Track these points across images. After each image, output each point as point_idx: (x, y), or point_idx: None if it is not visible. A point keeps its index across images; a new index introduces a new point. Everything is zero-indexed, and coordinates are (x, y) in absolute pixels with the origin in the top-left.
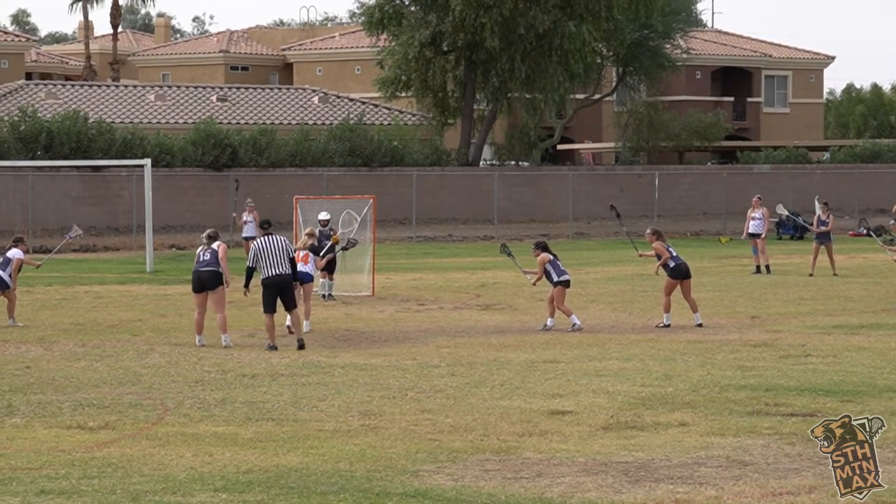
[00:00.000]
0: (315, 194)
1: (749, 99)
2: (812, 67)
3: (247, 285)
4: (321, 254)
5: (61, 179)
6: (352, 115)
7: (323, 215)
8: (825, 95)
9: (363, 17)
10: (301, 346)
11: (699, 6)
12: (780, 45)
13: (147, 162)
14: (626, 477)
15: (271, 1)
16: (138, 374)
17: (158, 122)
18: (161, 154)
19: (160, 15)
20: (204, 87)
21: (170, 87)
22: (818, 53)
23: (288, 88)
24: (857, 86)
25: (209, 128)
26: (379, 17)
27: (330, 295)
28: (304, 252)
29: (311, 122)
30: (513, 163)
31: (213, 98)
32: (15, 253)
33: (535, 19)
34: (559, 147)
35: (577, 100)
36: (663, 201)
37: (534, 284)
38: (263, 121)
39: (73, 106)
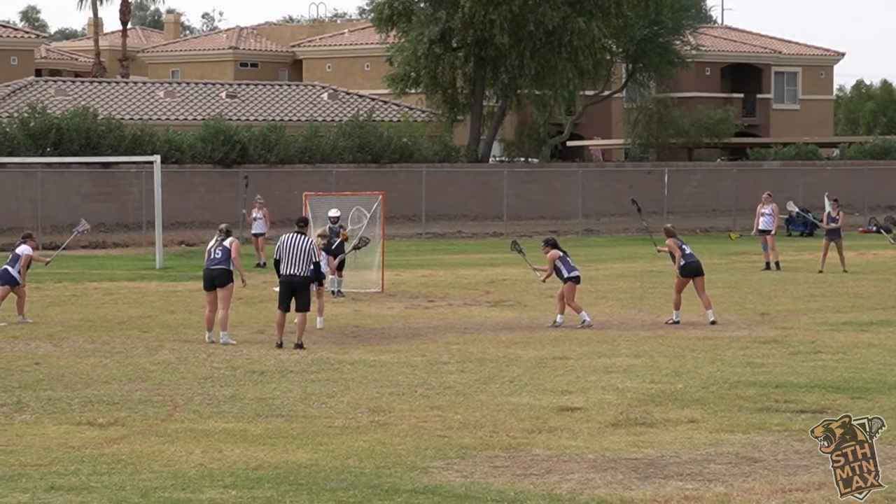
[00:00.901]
0: (324, 191)
1: (759, 95)
2: (822, 64)
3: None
4: (335, 255)
5: (71, 176)
6: (361, 112)
7: (333, 212)
8: (835, 92)
9: (373, 14)
10: (298, 347)
11: (709, 2)
12: (790, 42)
13: (156, 158)
14: (636, 473)
15: None
16: (148, 370)
17: (168, 119)
18: (170, 151)
19: (169, 11)
20: (213, 84)
21: (179, 83)
22: (828, 50)
23: (297, 85)
24: (867, 82)
25: (219, 124)
26: (388, 14)
27: (339, 291)
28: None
29: (320, 119)
30: (522, 159)
31: (223, 94)
32: (24, 249)
33: (545, 16)
34: (569, 144)
35: (587, 96)
36: (673, 198)
37: (543, 281)
38: (273, 117)
39: (83, 102)
